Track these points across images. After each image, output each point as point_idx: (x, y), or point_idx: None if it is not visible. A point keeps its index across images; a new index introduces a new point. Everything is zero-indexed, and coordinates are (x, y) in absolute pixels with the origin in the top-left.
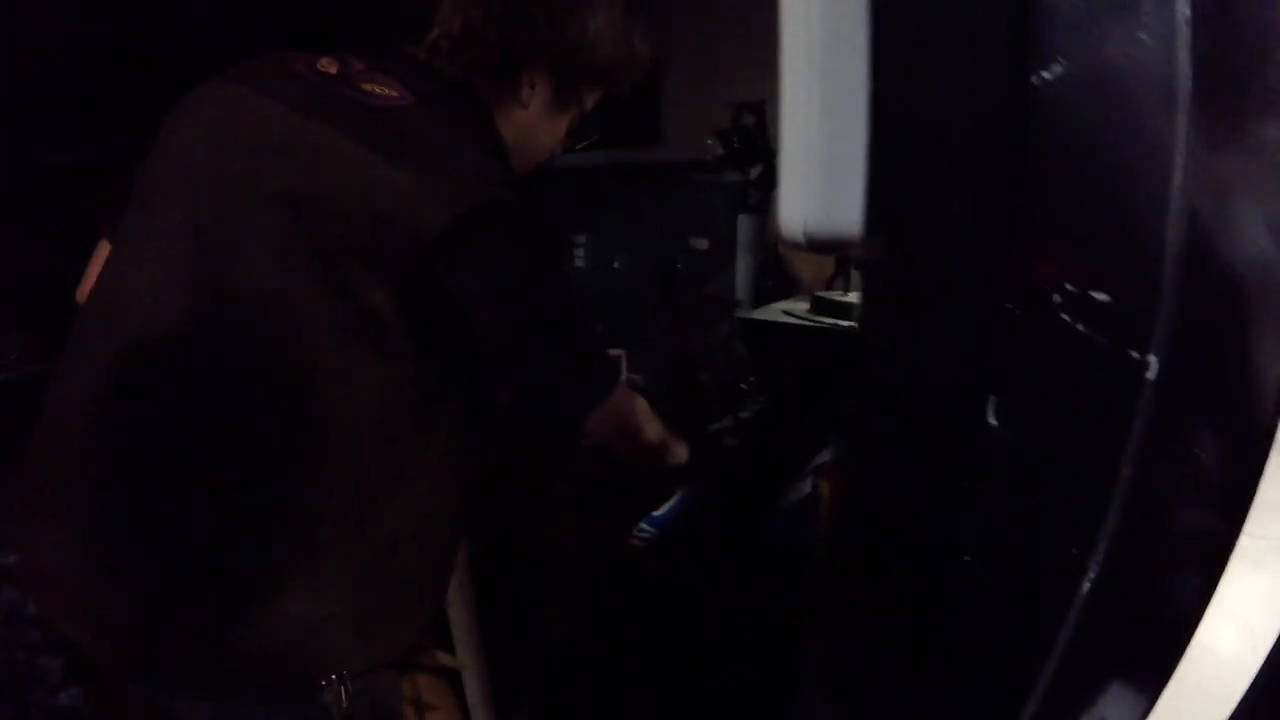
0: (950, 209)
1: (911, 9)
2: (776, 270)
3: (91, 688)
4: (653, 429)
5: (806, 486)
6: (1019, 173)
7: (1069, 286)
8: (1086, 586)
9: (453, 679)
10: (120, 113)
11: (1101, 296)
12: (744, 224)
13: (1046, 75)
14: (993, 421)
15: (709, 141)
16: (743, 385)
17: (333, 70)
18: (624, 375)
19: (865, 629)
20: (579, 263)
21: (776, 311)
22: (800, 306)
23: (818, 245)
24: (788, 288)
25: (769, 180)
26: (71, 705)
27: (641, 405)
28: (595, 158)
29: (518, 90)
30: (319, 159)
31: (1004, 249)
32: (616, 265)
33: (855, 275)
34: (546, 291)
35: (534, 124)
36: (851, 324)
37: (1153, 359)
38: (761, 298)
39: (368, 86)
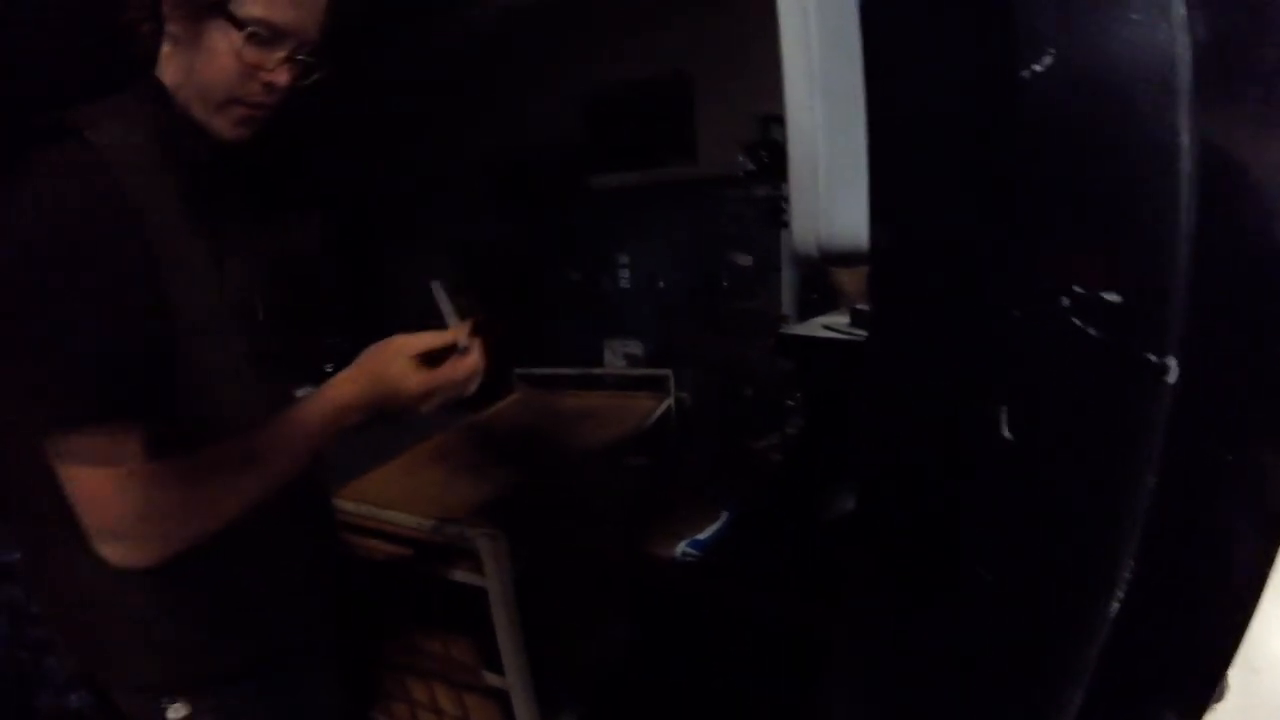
0: (948, 214)
1: (899, 12)
2: (821, 283)
3: (99, 691)
4: None
5: (850, 502)
6: (1016, 173)
7: (1078, 289)
8: (1116, 606)
9: (501, 700)
10: None
11: (1113, 298)
12: (786, 238)
13: (1037, 68)
14: (1006, 434)
15: (739, 158)
16: (789, 401)
17: None
18: (672, 394)
19: (881, 653)
20: (623, 283)
21: (817, 326)
22: (841, 320)
23: (832, 259)
24: (833, 301)
25: None
26: (79, 708)
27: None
28: (633, 178)
29: (142, 31)
30: None
31: (1007, 253)
32: (661, 284)
33: None
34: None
35: (186, 53)
36: None
37: (1171, 361)
38: (807, 311)
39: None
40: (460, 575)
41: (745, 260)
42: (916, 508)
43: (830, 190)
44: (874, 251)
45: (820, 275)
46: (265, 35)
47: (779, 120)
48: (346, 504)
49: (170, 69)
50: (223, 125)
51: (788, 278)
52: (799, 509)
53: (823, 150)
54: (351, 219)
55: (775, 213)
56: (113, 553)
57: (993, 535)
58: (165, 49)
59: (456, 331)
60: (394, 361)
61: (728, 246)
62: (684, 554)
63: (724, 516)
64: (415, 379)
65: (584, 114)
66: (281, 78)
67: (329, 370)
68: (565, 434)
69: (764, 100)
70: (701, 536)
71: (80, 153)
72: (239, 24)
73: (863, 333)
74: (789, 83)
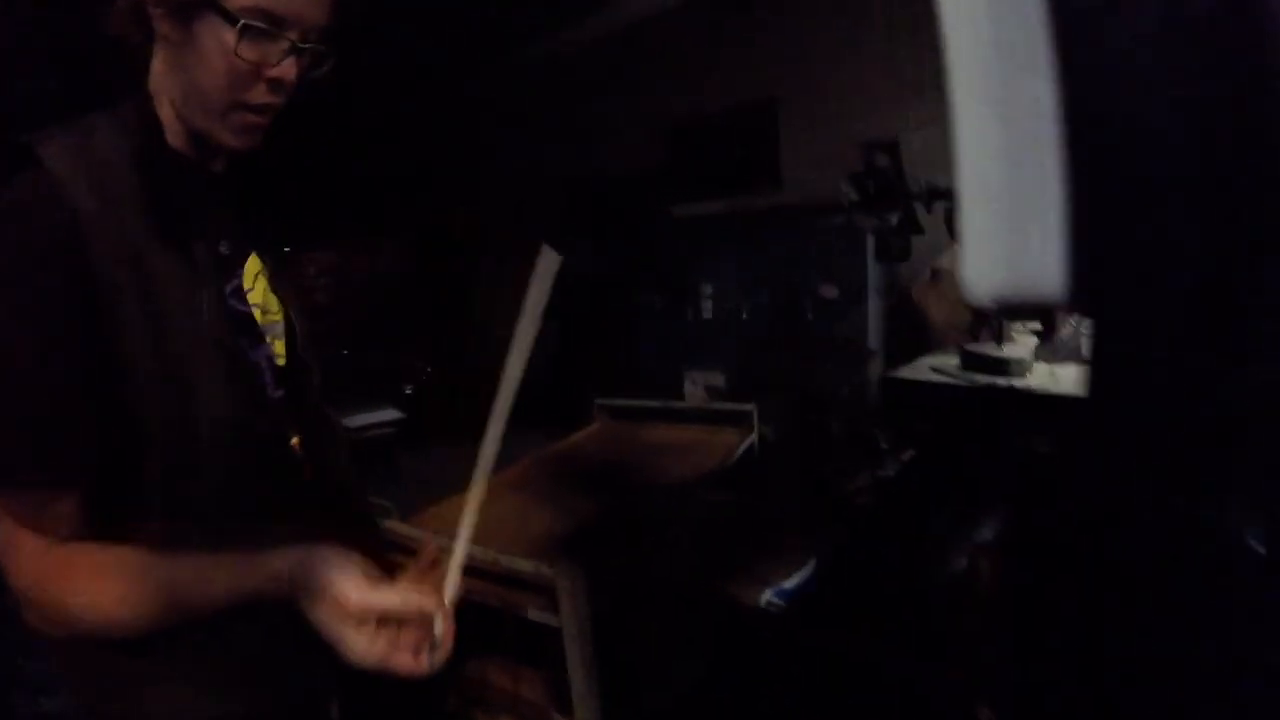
0: (1184, 256)
1: (1111, 15)
2: (908, 315)
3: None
4: None
5: (962, 562)
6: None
7: None
8: None
9: None
10: None
11: None
12: (874, 269)
13: None
14: (1257, 547)
15: (843, 188)
16: (882, 444)
17: None
18: (756, 429)
19: None
20: (706, 313)
21: (924, 368)
22: (949, 362)
23: (1012, 310)
24: (920, 333)
25: (909, 225)
26: (57, 711)
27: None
28: (717, 205)
29: (133, 42)
30: None
31: (1268, 308)
32: (744, 314)
33: (1007, 325)
34: None
35: (180, 60)
36: (1009, 381)
37: None
38: (894, 345)
39: None
40: (534, 613)
41: (831, 291)
42: (1139, 617)
43: (1010, 227)
44: (1087, 306)
45: (909, 307)
46: (263, 27)
47: (883, 147)
48: (420, 532)
49: (166, 79)
50: (227, 134)
51: (874, 309)
52: (898, 561)
53: (1002, 180)
54: (435, 243)
55: (880, 245)
56: (26, 615)
57: (1240, 660)
58: (159, 57)
59: (438, 606)
60: (355, 630)
61: (813, 277)
62: (769, 603)
63: (812, 563)
64: (368, 648)
65: (668, 141)
66: (289, 73)
67: (408, 391)
68: (645, 467)
69: (848, 123)
70: (788, 585)
71: (34, 185)
72: (231, 17)
73: (976, 376)
74: (959, 101)
